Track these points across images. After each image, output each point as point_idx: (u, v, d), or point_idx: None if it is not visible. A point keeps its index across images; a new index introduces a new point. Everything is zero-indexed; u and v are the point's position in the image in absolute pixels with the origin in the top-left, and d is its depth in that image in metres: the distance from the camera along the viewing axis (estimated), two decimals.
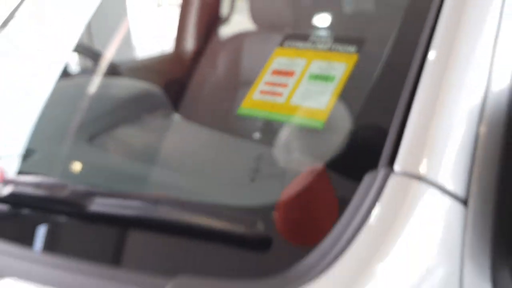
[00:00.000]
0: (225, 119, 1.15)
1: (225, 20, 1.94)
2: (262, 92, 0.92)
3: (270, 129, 0.96)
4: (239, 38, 1.65)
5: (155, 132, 1.24)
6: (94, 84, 1.48)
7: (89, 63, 1.70)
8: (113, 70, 1.64)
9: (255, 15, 1.54)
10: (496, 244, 0.75)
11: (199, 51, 1.82)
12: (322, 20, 1.27)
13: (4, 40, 1.45)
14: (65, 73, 1.52)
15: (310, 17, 1.30)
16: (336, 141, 0.83)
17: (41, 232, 0.88)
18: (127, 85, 1.53)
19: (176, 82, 1.64)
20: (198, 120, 1.27)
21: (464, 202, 0.71)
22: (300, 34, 0.99)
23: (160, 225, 0.81)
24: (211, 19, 1.90)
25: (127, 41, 1.96)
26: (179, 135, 1.20)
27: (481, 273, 0.75)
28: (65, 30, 1.57)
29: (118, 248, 0.83)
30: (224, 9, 1.97)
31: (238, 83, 1.51)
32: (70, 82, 1.52)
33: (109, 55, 1.65)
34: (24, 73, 1.41)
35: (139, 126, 1.27)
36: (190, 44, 1.91)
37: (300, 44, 0.96)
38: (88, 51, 1.71)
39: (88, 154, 1.15)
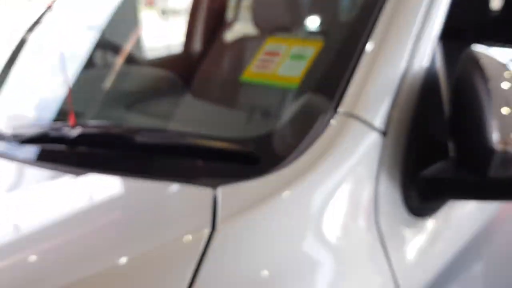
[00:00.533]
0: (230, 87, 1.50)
1: (230, 25, 2.11)
2: (257, 66, 1.29)
3: (262, 90, 1.34)
4: (242, 41, 1.90)
5: (174, 103, 1.54)
6: (129, 70, 1.81)
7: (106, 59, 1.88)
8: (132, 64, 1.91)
9: (257, 20, 1.75)
10: (406, 165, 1.03)
11: (205, 52, 1.99)
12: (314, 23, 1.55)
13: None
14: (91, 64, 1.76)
15: (304, 20, 1.55)
16: (306, 96, 1.17)
17: (105, 161, 1.14)
18: (152, 72, 1.86)
19: (183, 78, 1.79)
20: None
21: (384, 133, 0.99)
22: (285, 28, 1.38)
23: (182, 149, 1.08)
24: (217, 24, 2.08)
25: (137, 43, 2.07)
26: (193, 104, 1.54)
27: (394, 189, 1.01)
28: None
29: (158, 165, 1.10)
30: (229, 15, 2.15)
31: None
32: (105, 70, 1.80)
33: (125, 54, 1.89)
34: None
35: (163, 99, 1.62)
36: (197, 46, 2.11)
37: (285, 34, 1.35)
38: (110, 47, 1.90)
39: (128, 117, 1.52)
